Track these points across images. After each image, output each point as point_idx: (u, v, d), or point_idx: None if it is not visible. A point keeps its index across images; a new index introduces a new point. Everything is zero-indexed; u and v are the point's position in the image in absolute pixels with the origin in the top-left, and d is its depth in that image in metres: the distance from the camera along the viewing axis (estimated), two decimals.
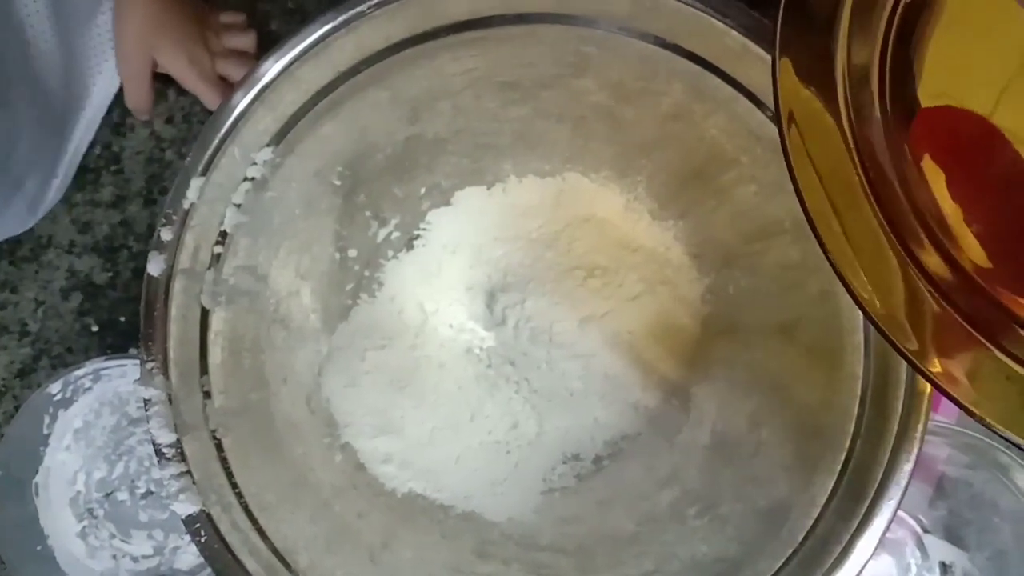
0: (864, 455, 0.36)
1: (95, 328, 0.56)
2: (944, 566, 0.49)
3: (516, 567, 0.44)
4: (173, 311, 0.36)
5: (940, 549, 0.49)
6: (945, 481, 0.50)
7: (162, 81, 0.57)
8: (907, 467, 0.34)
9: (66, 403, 0.52)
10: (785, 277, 0.44)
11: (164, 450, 0.34)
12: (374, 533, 0.43)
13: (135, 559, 0.51)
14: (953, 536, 0.49)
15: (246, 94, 0.38)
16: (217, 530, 0.34)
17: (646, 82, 0.43)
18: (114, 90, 0.58)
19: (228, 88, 0.56)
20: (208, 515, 0.34)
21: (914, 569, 0.49)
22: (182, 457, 0.34)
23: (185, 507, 0.34)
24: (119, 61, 0.56)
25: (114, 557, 0.51)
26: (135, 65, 0.55)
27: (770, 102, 0.40)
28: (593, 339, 0.48)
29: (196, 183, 0.37)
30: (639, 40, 0.40)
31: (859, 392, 0.37)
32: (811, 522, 0.36)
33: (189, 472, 0.34)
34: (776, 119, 0.31)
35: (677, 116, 0.44)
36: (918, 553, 0.49)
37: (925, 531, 0.50)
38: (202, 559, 0.50)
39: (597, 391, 0.49)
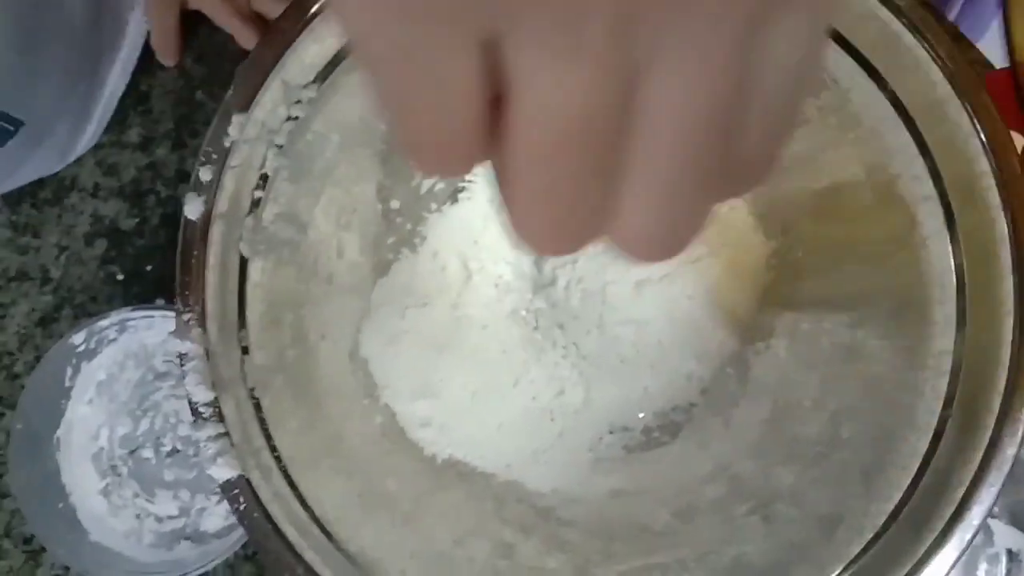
0: (954, 441, 0.33)
1: (120, 277, 0.54)
2: (1011, 553, 0.46)
3: (548, 540, 0.41)
4: (211, 259, 0.33)
5: (1007, 535, 0.46)
6: (1014, 463, 0.47)
7: (193, 19, 0.53)
8: (1010, 452, 0.31)
9: (89, 354, 0.50)
10: (862, 244, 0.41)
11: (201, 409, 0.31)
12: (410, 499, 0.41)
13: (159, 519, 0.49)
14: (1020, 522, 0.47)
15: (294, 23, 0.34)
16: (257, 497, 0.31)
17: None
18: (148, 28, 0.54)
19: (264, 26, 0.53)
20: (247, 481, 0.31)
21: (980, 556, 0.47)
22: (220, 417, 0.32)
23: (223, 471, 0.31)
24: None
25: (138, 516, 0.49)
26: (163, 1, 0.52)
27: (856, 37, 0.36)
28: (649, 303, 0.45)
29: (238, 119, 0.34)
30: None
31: (949, 369, 0.34)
32: (879, 526, 0.34)
33: (227, 433, 0.32)
34: None
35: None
36: (982, 538, 0.47)
37: (991, 516, 0.47)
38: (229, 522, 0.49)
39: (650, 359, 0.46)
